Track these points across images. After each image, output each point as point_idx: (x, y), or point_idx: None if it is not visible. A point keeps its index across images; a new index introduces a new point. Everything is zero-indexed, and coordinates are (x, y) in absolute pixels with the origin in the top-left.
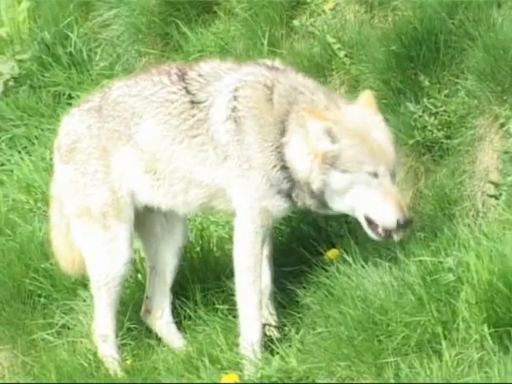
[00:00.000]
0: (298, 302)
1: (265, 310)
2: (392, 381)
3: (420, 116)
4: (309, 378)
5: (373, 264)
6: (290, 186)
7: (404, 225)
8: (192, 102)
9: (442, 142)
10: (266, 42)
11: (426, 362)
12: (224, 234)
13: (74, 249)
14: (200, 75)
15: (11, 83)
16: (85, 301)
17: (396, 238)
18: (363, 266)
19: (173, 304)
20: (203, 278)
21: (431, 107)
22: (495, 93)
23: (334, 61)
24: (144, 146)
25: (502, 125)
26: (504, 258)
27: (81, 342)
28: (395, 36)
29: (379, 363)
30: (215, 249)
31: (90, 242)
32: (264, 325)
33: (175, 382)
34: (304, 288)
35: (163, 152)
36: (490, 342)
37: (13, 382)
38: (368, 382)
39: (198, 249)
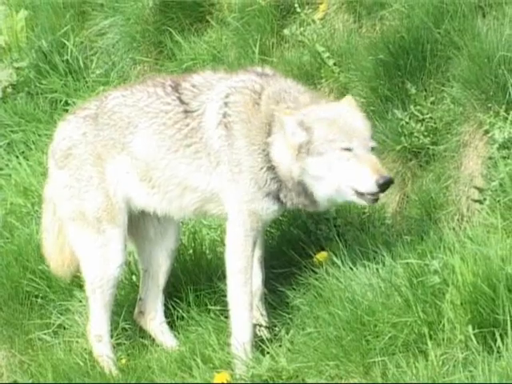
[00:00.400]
0: (288, 303)
1: (256, 310)
2: (379, 380)
3: (407, 123)
4: (298, 376)
5: (361, 266)
6: (278, 186)
7: (384, 184)
8: (185, 112)
9: (428, 148)
10: (257, 51)
11: (413, 361)
12: (216, 237)
13: (64, 251)
14: (193, 85)
15: (9, 90)
16: (80, 301)
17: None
18: (351, 269)
19: (166, 305)
20: (196, 280)
21: (418, 114)
22: (480, 100)
23: (324, 69)
24: (139, 155)
25: (487, 131)
26: (488, 260)
27: (77, 342)
28: (383, 45)
29: (367, 363)
30: (207, 251)
31: (85, 246)
32: (255, 325)
33: (168, 380)
34: (294, 290)
35: (159, 161)
36: (475, 342)
37: (10, 380)
38: (356, 380)
39: (191, 251)
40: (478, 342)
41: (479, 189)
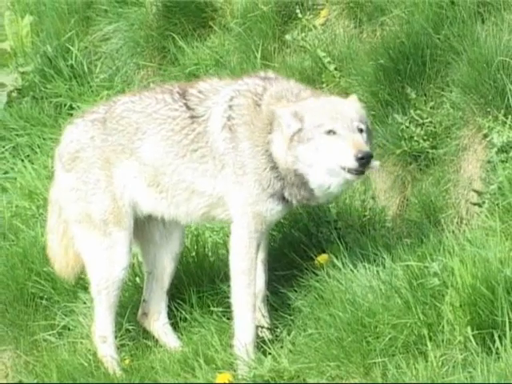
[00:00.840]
0: (289, 304)
1: (258, 312)
2: (379, 380)
3: (407, 127)
4: (300, 377)
5: (361, 268)
6: (282, 184)
7: (363, 158)
8: (192, 117)
9: (427, 152)
10: (259, 56)
11: (412, 362)
12: (218, 240)
13: (68, 253)
14: (199, 92)
15: (15, 94)
16: (85, 303)
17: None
18: (352, 271)
19: (169, 306)
20: (198, 282)
21: (417, 118)
22: (479, 105)
23: (325, 74)
24: (147, 161)
25: (485, 135)
26: (487, 263)
27: (81, 343)
28: (383, 50)
29: (367, 363)
30: (210, 254)
31: (91, 248)
32: (257, 326)
33: (171, 381)
34: (295, 291)
35: (167, 167)
36: (474, 343)
37: (16, 380)
38: (356, 381)
39: (194, 253)
40: (476, 344)
41: (478, 192)
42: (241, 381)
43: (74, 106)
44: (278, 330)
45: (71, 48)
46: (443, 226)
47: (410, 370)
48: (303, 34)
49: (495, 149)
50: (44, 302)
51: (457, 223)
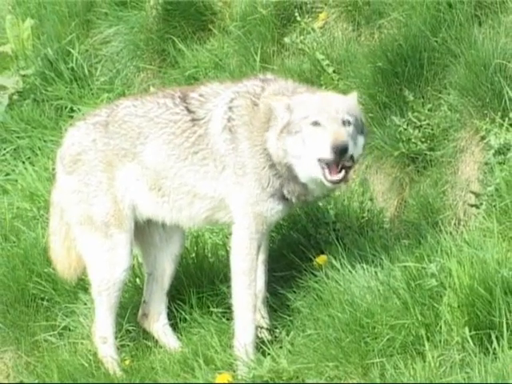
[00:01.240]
0: (288, 305)
1: (257, 313)
2: (378, 380)
3: (405, 129)
4: (298, 377)
5: (360, 269)
6: (281, 182)
7: (338, 150)
8: (193, 120)
9: (425, 154)
10: (258, 59)
11: (410, 362)
12: (218, 241)
13: (70, 254)
14: (200, 95)
15: (16, 97)
16: (85, 304)
17: (348, 177)
18: (350, 272)
19: (169, 307)
20: (198, 283)
21: (415, 121)
22: (476, 107)
23: (323, 76)
24: (149, 165)
25: (483, 137)
26: (484, 264)
27: (82, 343)
28: (381, 53)
29: (365, 364)
30: (210, 255)
31: (92, 250)
32: (256, 327)
33: (171, 381)
34: (294, 292)
35: (169, 170)
36: (471, 343)
37: (17, 381)
38: (355, 381)
39: (194, 255)
40: (474, 344)
41: (475, 194)
42: (240, 381)
43: (74, 108)
44: (277, 331)
45: (72, 51)
46: (441, 228)
47: (408, 371)
48: (302, 37)
49: (492, 151)
50: (45, 302)
51: (454, 224)
